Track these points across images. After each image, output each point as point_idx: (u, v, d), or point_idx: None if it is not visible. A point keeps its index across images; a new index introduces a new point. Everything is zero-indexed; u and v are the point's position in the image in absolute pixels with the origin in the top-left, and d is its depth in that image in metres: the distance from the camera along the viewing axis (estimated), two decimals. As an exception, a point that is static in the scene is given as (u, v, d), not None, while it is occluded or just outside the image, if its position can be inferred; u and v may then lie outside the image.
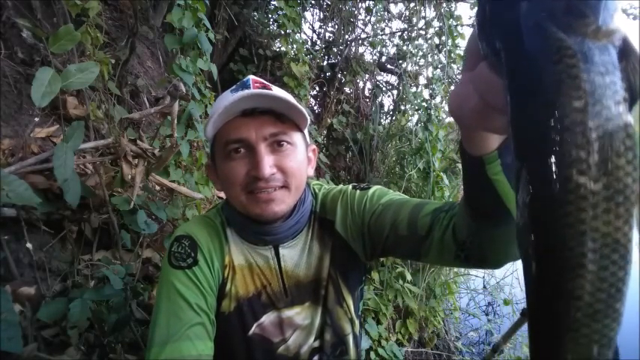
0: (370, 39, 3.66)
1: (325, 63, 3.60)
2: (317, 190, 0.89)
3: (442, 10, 2.93)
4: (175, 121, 1.41)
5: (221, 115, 0.71)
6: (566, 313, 0.33)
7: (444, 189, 2.66)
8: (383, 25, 3.65)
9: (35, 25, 1.40)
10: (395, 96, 3.72)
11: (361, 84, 3.75)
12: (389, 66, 3.77)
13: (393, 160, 3.35)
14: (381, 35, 3.67)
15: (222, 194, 1.76)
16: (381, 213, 0.77)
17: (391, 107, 3.69)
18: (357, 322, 0.89)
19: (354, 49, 3.64)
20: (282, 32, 2.71)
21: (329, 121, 3.33)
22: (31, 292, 1.10)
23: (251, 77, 0.78)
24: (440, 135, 2.69)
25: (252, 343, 0.80)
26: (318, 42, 3.76)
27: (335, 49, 3.61)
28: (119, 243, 1.38)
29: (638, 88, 0.31)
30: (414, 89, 3.27)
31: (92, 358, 1.16)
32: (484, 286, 3.35)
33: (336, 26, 3.66)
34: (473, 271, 3.31)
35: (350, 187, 0.86)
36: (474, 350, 2.88)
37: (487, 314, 3.36)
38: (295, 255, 0.83)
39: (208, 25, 1.49)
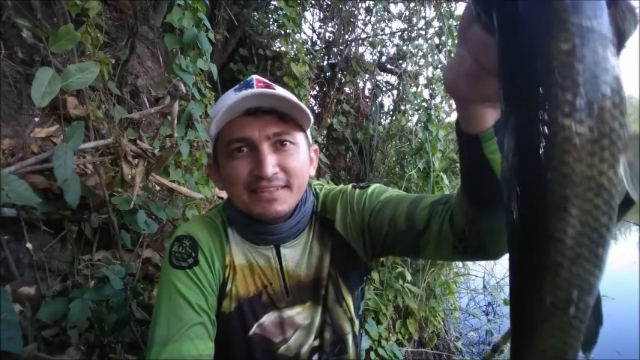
0: (370, 39, 3.66)
1: (325, 63, 3.60)
2: (318, 190, 0.89)
3: (442, 10, 2.94)
4: (175, 121, 1.41)
5: (224, 114, 0.71)
6: (547, 255, 0.33)
7: (443, 189, 2.66)
8: (383, 25, 3.66)
9: (35, 25, 1.40)
10: (395, 96, 3.72)
11: (361, 84, 3.75)
12: (389, 66, 3.77)
13: (393, 160, 3.35)
14: (381, 35, 3.67)
15: (222, 194, 1.76)
16: (380, 210, 0.77)
17: (391, 107, 3.69)
18: (356, 322, 0.89)
19: (354, 49, 3.64)
20: (282, 32, 2.71)
21: (329, 121, 3.33)
22: (31, 292, 1.10)
23: (254, 77, 0.78)
24: (440, 135, 2.69)
25: (252, 343, 0.80)
26: (318, 42, 3.76)
27: (335, 49, 3.61)
28: (119, 243, 1.38)
29: (625, 34, 0.31)
30: (414, 89, 3.27)
31: (92, 358, 1.16)
32: (484, 286, 3.35)
33: (336, 26, 3.66)
34: (473, 271, 3.31)
35: (350, 186, 0.86)
36: (473, 350, 2.89)
37: (487, 314, 3.36)
38: (296, 255, 0.83)
39: (208, 25, 1.49)
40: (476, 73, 0.40)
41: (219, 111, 0.71)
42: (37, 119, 1.51)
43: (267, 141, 0.72)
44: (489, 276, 3.36)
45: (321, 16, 3.76)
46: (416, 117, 3.04)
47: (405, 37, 3.52)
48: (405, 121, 3.47)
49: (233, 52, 3.18)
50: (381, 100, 3.62)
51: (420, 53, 3.36)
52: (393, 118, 3.61)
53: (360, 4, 3.58)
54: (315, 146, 0.87)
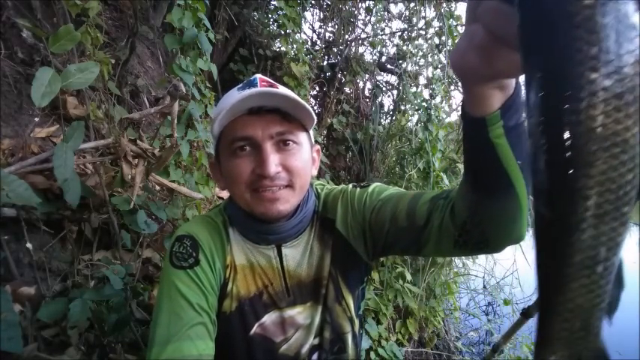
0: (370, 39, 3.66)
1: (325, 63, 3.60)
2: (319, 190, 0.90)
3: (442, 10, 2.93)
4: (175, 121, 1.41)
5: (228, 113, 0.70)
6: (575, 212, 0.32)
7: (443, 189, 2.65)
8: (383, 25, 3.66)
9: (35, 25, 1.40)
10: (395, 96, 3.71)
11: (361, 84, 3.75)
12: (389, 66, 3.77)
13: (393, 160, 3.35)
14: (381, 35, 3.67)
15: (222, 194, 1.76)
16: (381, 208, 0.77)
17: (391, 107, 3.69)
18: (356, 322, 0.89)
19: (354, 49, 3.64)
20: (282, 32, 2.71)
21: (329, 121, 3.33)
22: (31, 292, 1.10)
23: (258, 76, 0.78)
24: (440, 135, 2.69)
25: (253, 342, 0.80)
26: (318, 42, 3.76)
27: (335, 49, 3.61)
28: (119, 243, 1.38)
29: None
30: (414, 89, 3.27)
31: (92, 358, 1.16)
32: (484, 286, 3.35)
33: (336, 26, 3.66)
34: (473, 271, 3.31)
35: (350, 186, 0.86)
36: (473, 350, 2.89)
37: (487, 314, 3.36)
38: (297, 255, 0.83)
39: (208, 25, 1.49)
40: (488, 45, 0.39)
41: (222, 109, 0.71)
42: (37, 119, 1.51)
43: (270, 140, 0.72)
44: (489, 276, 3.36)
45: (321, 16, 3.76)
46: (416, 117, 3.04)
47: (405, 37, 3.52)
48: (405, 121, 3.47)
49: (233, 52, 3.18)
50: (381, 100, 3.62)
51: (420, 53, 3.36)
52: (393, 118, 3.61)
53: (360, 4, 3.58)
54: (318, 146, 0.87)
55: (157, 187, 1.53)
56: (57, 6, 1.58)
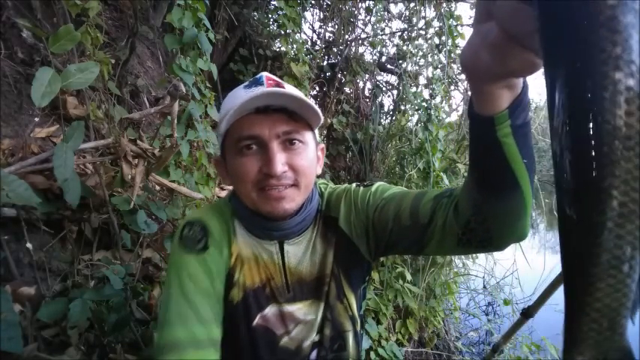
0: (370, 39, 3.66)
1: (325, 63, 3.60)
2: (323, 189, 0.91)
3: (442, 10, 2.93)
4: (175, 121, 1.41)
5: (235, 112, 0.71)
6: (602, 211, 0.33)
7: (446, 188, 2.65)
8: (383, 25, 3.65)
9: (35, 25, 1.40)
10: (395, 96, 3.72)
11: (361, 84, 3.75)
12: (389, 66, 3.77)
13: (393, 160, 3.35)
14: (381, 35, 3.67)
15: (222, 194, 1.76)
16: (384, 207, 0.78)
17: (391, 107, 3.69)
18: (358, 321, 0.89)
19: (354, 49, 3.64)
20: (282, 32, 2.71)
21: (329, 121, 3.33)
22: (31, 292, 1.10)
23: (264, 74, 0.79)
24: (440, 135, 2.69)
25: (256, 333, 0.81)
26: (318, 42, 3.76)
27: (335, 49, 3.61)
28: (119, 243, 1.38)
29: None
30: (414, 89, 3.27)
31: (92, 358, 1.16)
32: (484, 286, 3.35)
33: (336, 26, 3.66)
34: (473, 271, 3.31)
35: (354, 185, 0.87)
36: (473, 350, 2.88)
37: (487, 314, 3.36)
38: (299, 252, 0.84)
39: (208, 25, 1.49)
40: (502, 44, 0.40)
41: (230, 108, 0.71)
42: (37, 119, 1.51)
43: (276, 139, 0.73)
44: (489, 276, 3.36)
45: (321, 16, 3.76)
46: (416, 117, 3.04)
47: (405, 37, 3.52)
48: (405, 121, 3.47)
49: (233, 52, 3.18)
50: (381, 100, 3.62)
51: (420, 53, 3.36)
52: (393, 118, 3.61)
53: (360, 4, 3.58)
54: (322, 145, 0.87)
55: (157, 187, 1.53)
56: (57, 6, 1.58)
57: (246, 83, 0.77)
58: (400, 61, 3.43)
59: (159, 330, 0.73)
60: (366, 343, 2.00)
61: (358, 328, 0.90)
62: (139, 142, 1.36)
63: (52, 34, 1.02)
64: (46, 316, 1.04)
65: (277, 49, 3.25)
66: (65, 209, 1.28)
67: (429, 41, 3.23)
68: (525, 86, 0.49)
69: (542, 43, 0.35)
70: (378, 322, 2.23)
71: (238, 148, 0.73)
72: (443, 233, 0.68)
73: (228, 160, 0.77)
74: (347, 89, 3.59)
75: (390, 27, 3.73)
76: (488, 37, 0.41)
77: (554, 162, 0.35)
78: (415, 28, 3.43)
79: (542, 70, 0.36)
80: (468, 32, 3.59)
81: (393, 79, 3.89)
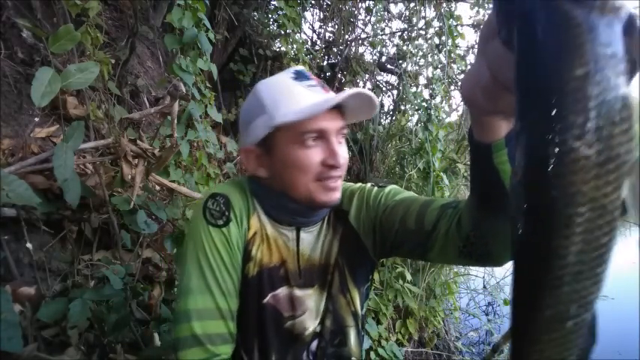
0: (370, 39, 3.66)
1: (325, 63, 3.60)
2: None
3: (442, 10, 2.93)
4: (175, 121, 1.41)
5: (312, 110, 0.73)
6: (550, 270, 0.34)
7: (443, 189, 2.66)
8: (383, 25, 3.65)
9: (35, 25, 1.40)
10: (395, 96, 3.72)
11: (361, 84, 3.75)
12: (389, 66, 3.77)
13: (393, 160, 3.35)
14: (381, 35, 3.67)
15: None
16: (393, 208, 0.81)
17: (391, 107, 3.69)
18: (361, 318, 0.91)
19: (354, 49, 3.64)
20: (282, 32, 2.71)
21: (329, 121, 3.33)
22: (31, 292, 1.10)
23: (301, 68, 0.82)
24: (440, 135, 2.69)
25: (264, 310, 0.83)
26: (318, 42, 3.76)
27: (335, 49, 3.61)
28: (119, 243, 1.38)
29: (637, 63, 0.32)
30: (414, 89, 3.27)
31: (92, 358, 1.16)
32: (484, 286, 3.35)
33: (336, 26, 3.66)
34: (473, 271, 3.31)
35: (369, 184, 0.91)
36: (473, 350, 2.89)
37: (487, 314, 3.36)
38: (312, 239, 0.87)
39: (208, 25, 1.49)
40: (493, 88, 0.41)
41: (299, 103, 0.74)
42: (37, 119, 1.51)
43: (336, 134, 0.77)
44: (489, 276, 3.36)
45: (321, 16, 3.76)
46: (416, 117, 3.04)
47: (405, 37, 3.52)
48: (405, 121, 3.47)
49: (233, 52, 3.18)
50: (381, 100, 3.62)
51: (420, 53, 3.36)
52: (393, 118, 3.61)
53: (360, 4, 3.58)
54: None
55: (157, 187, 1.53)
56: (57, 6, 1.58)
57: (294, 75, 0.80)
58: (400, 61, 3.43)
59: (180, 297, 0.76)
60: (366, 343, 2.00)
61: (361, 326, 0.91)
62: (139, 142, 1.36)
63: (52, 34, 1.02)
64: (46, 316, 1.04)
65: (277, 49, 3.24)
66: (65, 209, 1.28)
67: (429, 41, 3.22)
68: None
69: (515, 99, 0.36)
70: (378, 322, 2.23)
71: (301, 140, 0.75)
72: (445, 242, 0.71)
73: (283, 151, 0.77)
74: (347, 89, 3.58)
75: (390, 27, 3.74)
76: (481, 80, 0.43)
77: (510, 218, 0.37)
78: (415, 28, 3.43)
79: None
80: (468, 32, 3.58)
81: (393, 79, 3.89)
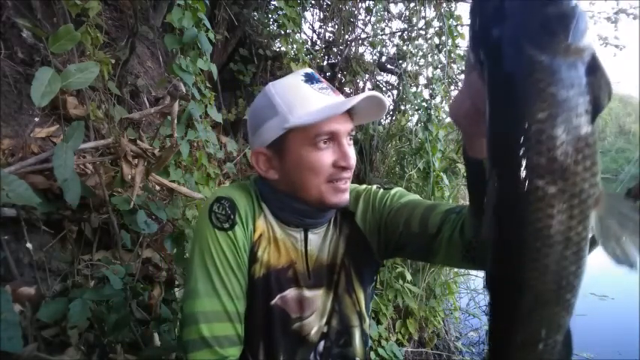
0: (370, 39, 3.66)
1: (325, 63, 3.59)
2: None
3: (442, 10, 2.93)
4: (175, 121, 1.41)
5: (327, 112, 0.74)
6: (520, 298, 0.37)
7: (443, 189, 2.66)
8: (383, 25, 3.65)
9: (35, 25, 1.40)
10: (395, 96, 3.71)
11: (361, 84, 3.75)
12: (389, 66, 3.77)
13: (393, 160, 3.35)
14: (381, 35, 3.67)
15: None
16: (398, 210, 0.82)
17: (391, 107, 3.69)
18: (366, 319, 0.91)
19: (354, 49, 3.64)
20: (282, 32, 2.70)
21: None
22: (31, 292, 1.10)
23: (312, 71, 0.83)
24: (440, 135, 2.69)
25: (272, 312, 0.83)
26: (318, 42, 3.76)
27: (335, 49, 3.61)
28: (119, 243, 1.38)
29: (601, 102, 0.34)
30: (414, 89, 3.27)
31: (92, 358, 1.16)
32: (484, 286, 3.34)
33: (336, 26, 3.66)
34: (473, 271, 3.31)
35: (374, 186, 0.92)
36: (473, 350, 2.88)
37: (487, 314, 3.35)
38: (319, 240, 0.87)
39: (208, 25, 1.49)
40: (474, 114, 0.44)
41: (315, 105, 0.75)
42: (37, 119, 1.51)
43: (346, 136, 0.79)
44: (489, 276, 3.35)
45: (321, 16, 3.76)
46: (416, 117, 3.04)
47: (405, 37, 3.52)
48: (405, 121, 3.47)
49: (233, 52, 3.17)
50: (381, 100, 3.61)
51: (420, 53, 3.36)
52: (393, 118, 3.61)
53: (360, 4, 3.58)
54: None
55: (157, 187, 1.53)
56: (57, 6, 1.58)
57: (305, 78, 0.80)
58: (400, 61, 3.43)
59: (187, 300, 0.77)
60: (366, 343, 2.00)
61: (366, 326, 0.92)
62: (139, 142, 1.36)
63: (52, 34, 1.02)
64: (46, 316, 1.04)
65: (277, 49, 3.24)
66: (65, 209, 1.28)
67: (429, 41, 3.22)
68: None
69: (486, 135, 0.39)
70: (378, 322, 2.23)
71: (314, 142, 0.76)
72: (449, 247, 0.72)
73: (294, 152, 0.78)
74: (347, 89, 3.59)
75: (390, 27, 3.73)
76: (463, 106, 0.47)
77: (481, 250, 0.41)
78: (415, 28, 3.42)
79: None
80: (468, 32, 3.56)
81: (393, 79, 3.89)
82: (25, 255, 1.21)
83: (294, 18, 2.61)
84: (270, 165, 0.81)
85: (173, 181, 1.47)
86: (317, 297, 0.86)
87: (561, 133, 0.33)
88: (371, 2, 3.51)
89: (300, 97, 0.76)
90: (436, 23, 3.14)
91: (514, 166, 0.35)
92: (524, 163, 0.34)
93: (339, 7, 3.47)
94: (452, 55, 2.93)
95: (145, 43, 2.53)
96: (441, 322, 2.69)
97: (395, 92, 3.75)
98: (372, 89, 3.57)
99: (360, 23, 3.71)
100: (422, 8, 3.27)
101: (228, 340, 0.76)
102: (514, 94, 0.35)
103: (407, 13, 3.58)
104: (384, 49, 3.77)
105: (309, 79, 0.80)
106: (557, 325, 0.38)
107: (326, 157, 0.77)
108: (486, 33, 0.38)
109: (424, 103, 2.78)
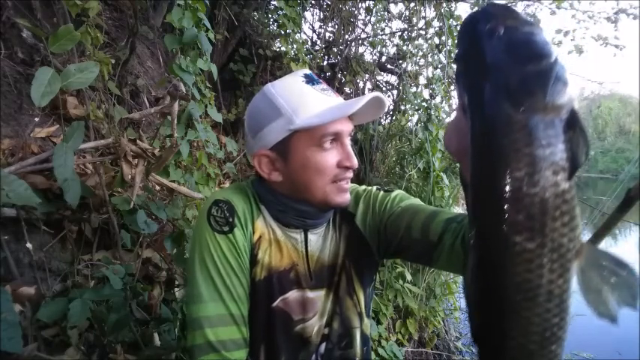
0: (370, 39, 3.66)
1: (325, 63, 3.59)
2: None
3: (442, 10, 2.93)
4: (175, 121, 1.41)
5: (333, 114, 0.75)
6: (503, 350, 0.38)
7: (443, 189, 2.66)
8: (383, 25, 3.65)
9: (35, 25, 1.40)
10: (395, 96, 3.71)
11: (361, 84, 3.75)
12: (389, 66, 3.77)
13: (393, 160, 3.35)
14: (381, 35, 3.67)
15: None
16: (399, 214, 0.82)
17: (391, 107, 3.69)
18: (366, 320, 0.91)
19: (354, 49, 3.64)
20: (282, 32, 2.70)
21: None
22: (31, 292, 1.10)
23: (310, 72, 0.82)
24: (440, 135, 2.69)
25: (274, 314, 0.83)
26: (318, 42, 3.76)
27: (335, 49, 3.61)
28: (119, 243, 1.38)
29: (579, 157, 0.35)
30: (414, 89, 3.26)
31: (92, 358, 1.16)
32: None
33: (336, 26, 3.66)
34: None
35: (374, 188, 0.91)
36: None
37: None
38: (319, 241, 0.87)
39: (208, 25, 1.49)
40: (463, 150, 0.45)
41: (319, 107, 0.75)
42: (37, 119, 1.50)
43: (348, 136, 0.80)
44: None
45: (321, 16, 3.76)
46: (416, 117, 3.04)
47: (405, 37, 3.52)
48: (405, 121, 3.47)
49: (233, 52, 3.17)
50: (382, 100, 3.61)
51: (420, 53, 3.36)
52: (393, 118, 3.61)
53: (360, 4, 3.58)
54: None
55: (157, 187, 1.53)
56: (57, 6, 1.58)
57: (305, 79, 0.80)
58: (400, 61, 3.43)
59: (190, 305, 0.78)
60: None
61: (366, 328, 0.92)
62: (138, 142, 1.36)
63: (52, 34, 1.01)
64: (46, 316, 1.04)
65: (277, 49, 3.24)
66: (65, 209, 1.28)
67: (429, 41, 3.22)
68: None
69: (469, 191, 0.40)
70: (378, 322, 2.23)
71: (319, 143, 0.76)
72: (450, 255, 0.72)
73: (300, 153, 0.77)
74: (347, 89, 3.59)
75: (390, 27, 3.73)
76: (452, 142, 0.50)
77: (465, 299, 0.41)
78: (415, 28, 3.43)
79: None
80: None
81: (393, 79, 3.89)
82: (25, 255, 1.21)
83: (294, 18, 2.61)
84: (274, 167, 0.80)
85: (173, 181, 1.47)
86: (319, 298, 0.86)
87: (538, 191, 0.34)
88: (371, 2, 3.51)
89: (304, 99, 0.76)
90: (436, 23, 3.14)
91: (493, 221, 0.36)
92: (502, 219, 0.35)
93: (339, 7, 3.47)
94: (452, 55, 2.93)
95: (145, 43, 2.53)
96: (441, 322, 2.69)
97: (395, 92, 3.75)
98: (372, 89, 3.57)
99: (360, 23, 3.71)
100: (422, 8, 3.27)
101: (234, 344, 0.76)
102: (493, 150, 0.35)
103: (407, 13, 3.58)
104: (384, 49, 3.78)
105: (310, 80, 0.79)
106: None
107: (331, 157, 0.77)
108: (470, 82, 0.39)
109: (424, 103, 2.78)
